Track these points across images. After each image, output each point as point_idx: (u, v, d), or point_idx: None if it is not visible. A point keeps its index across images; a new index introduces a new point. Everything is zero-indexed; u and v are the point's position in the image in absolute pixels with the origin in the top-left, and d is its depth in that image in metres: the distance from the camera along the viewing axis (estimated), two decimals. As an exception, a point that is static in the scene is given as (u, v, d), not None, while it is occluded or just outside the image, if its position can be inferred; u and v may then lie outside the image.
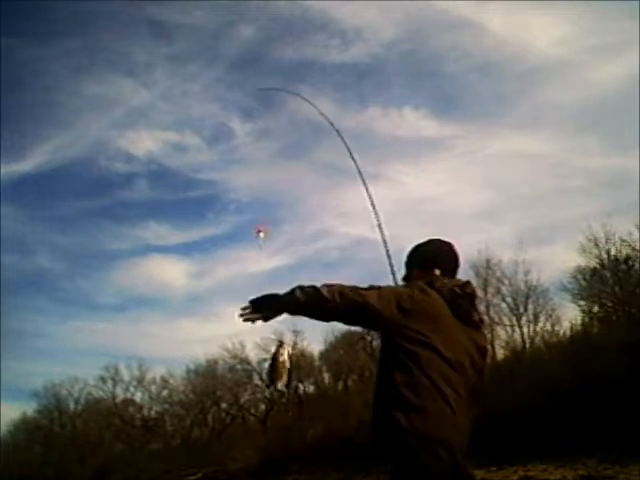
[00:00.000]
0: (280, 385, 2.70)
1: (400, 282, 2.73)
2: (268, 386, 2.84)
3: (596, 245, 18.29)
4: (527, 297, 20.87)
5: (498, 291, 21.19)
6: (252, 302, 2.39)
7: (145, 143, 56.05)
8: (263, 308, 2.39)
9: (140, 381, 34.11)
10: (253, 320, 2.41)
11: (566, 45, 43.19)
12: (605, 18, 37.65)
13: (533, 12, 39.75)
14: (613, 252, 18.09)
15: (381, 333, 2.48)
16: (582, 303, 19.15)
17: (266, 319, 2.43)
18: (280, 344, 2.75)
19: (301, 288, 2.28)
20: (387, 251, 2.96)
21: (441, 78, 46.01)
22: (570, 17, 39.74)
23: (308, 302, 2.27)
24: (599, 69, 38.85)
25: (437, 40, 47.70)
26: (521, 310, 20.79)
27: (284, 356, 2.72)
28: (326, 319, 2.40)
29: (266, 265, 50.77)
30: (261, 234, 3.03)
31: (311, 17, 51.79)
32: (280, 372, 2.69)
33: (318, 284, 2.28)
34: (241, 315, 2.41)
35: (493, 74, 44.09)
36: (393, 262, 2.81)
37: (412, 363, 2.25)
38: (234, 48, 50.91)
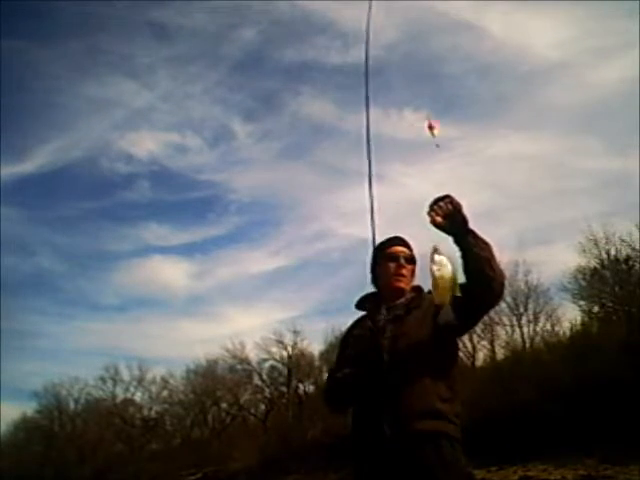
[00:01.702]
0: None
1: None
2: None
3: (596, 245, 18.29)
4: (527, 297, 20.89)
5: (498, 291, 21.18)
6: (456, 207, 2.12)
7: (146, 144, 56.24)
8: (455, 222, 2.12)
9: (140, 381, 34.22)
10: (436, 222, 2.13)
11: (565, 47, 43.39)
12: (604, 20, 37.78)
13: (532, 15, 39.90)
14: (613, 252, 18.10)
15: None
16: (582, 303, 19.15)
17: (440, 228, 2.14)
18: (434, 251, 2.13)
19: (486, 245, 2.08)
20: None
21: (441, 80, 46.13)
22: (569, 19, 39.98)
23: (478, 259, 2.05)
24: (598, 71, 38.96)
25: (437, 42, 47.87)
26: (521, 310, 20.82)
27: (442, 265, 2.08)
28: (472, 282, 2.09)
29: (267, 265, 51.11)
30: (435, 131, 2.58)
31: (312, 20, 51.98)
32: (440, 286, 2.08)
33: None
34: (438, 206, 2.14)
35: (493, 76, 44.18)
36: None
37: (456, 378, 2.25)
38: (235, 50, 51.24)
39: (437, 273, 2.08)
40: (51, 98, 54.53)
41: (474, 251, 2.06)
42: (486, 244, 2.10)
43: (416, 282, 2.43)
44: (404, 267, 2.34)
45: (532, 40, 42.60)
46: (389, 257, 2.38)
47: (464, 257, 2.09)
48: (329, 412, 2.50)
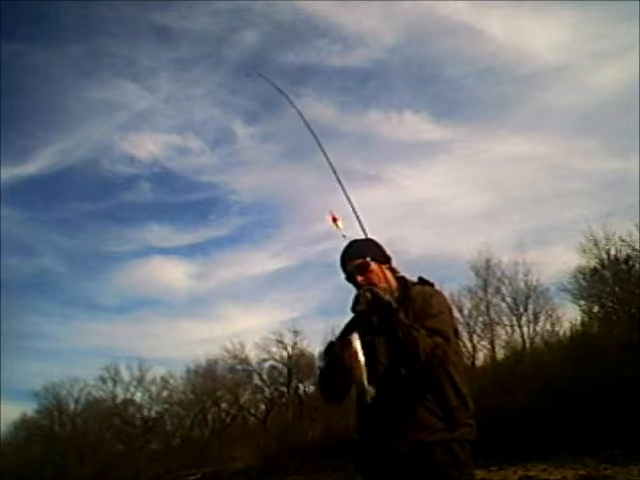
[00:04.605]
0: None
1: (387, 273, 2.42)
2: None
3: (596, 245, 18.32)
4: (527, 297, 20.88)
5: (498, 291, 21.25)
6: (375, 296, 2.17)
7: (148, 146, 55.90)
8: (375, 312, 2.19)
9: (140, 381, 34.18)
10: (359, 311, 2.24)
11: (565, 50, 43.28)
12: (604, 23, 37.82)
13: (532, 17, 39.85)
14: (613, 252, 18.12)
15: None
16: (582, 303, 19.13)
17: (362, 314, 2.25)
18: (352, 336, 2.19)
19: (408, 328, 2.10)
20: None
21: (441, 82, 46.15)
22: (569, 22, 39.84)
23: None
24: (598, 73, 38.94)
25: (438, 45, 47.94)
26: (521, 310, 20.82)
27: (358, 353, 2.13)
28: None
29: (268, 266, 51.09)
30: (339, 222, 2.58)
31: (314, 23, 52.19)
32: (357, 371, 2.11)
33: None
34: (362, 295, 2.21)
35: (493, 78, 44.19)
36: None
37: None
38: (237, 53, 50.95)
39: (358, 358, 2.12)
40: (53, 100, 54.79)
41: (395, 336, 2.08)
42: (407, 327, 2.08)
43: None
44: (362, 279, 2.31)
45: (532, 43, 42.72)
46: (347, 279, 2.37)
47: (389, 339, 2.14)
48: (324, 402, 2.55)
